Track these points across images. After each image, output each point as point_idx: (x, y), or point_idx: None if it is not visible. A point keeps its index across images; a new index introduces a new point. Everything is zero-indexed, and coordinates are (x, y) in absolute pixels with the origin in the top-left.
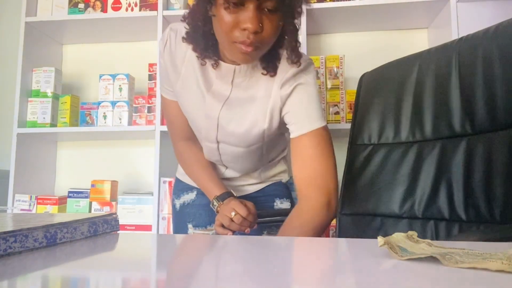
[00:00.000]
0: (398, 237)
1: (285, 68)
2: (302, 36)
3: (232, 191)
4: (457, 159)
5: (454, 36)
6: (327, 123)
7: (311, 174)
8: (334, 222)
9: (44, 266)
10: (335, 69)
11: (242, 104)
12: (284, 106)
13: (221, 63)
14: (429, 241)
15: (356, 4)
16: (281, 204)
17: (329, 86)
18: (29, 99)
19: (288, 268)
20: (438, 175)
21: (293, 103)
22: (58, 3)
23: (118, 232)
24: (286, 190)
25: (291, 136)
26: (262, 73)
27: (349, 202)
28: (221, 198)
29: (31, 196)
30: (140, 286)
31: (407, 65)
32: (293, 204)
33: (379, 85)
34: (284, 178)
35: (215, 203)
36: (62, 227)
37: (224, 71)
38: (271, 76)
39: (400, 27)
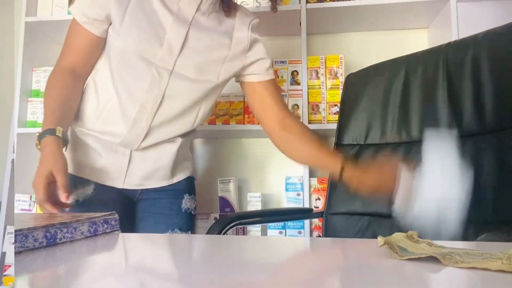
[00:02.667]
0: (398, 237)
1: (247, 14)
2: (302, 36)
3: (61, 128)
4: None
5: (454, 36)
6: (327, 123)
7: (284, 108)
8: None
9: (44, 266)
10: (335, 69)
11: (205, 30)
12: (251, 50)
13: None
14: (429, 241)
15: (356, 4)
16: (188, 202)
17: (329, 86)
18: (29, 99)
19: (287, 267)
20: None
21: (260, 51)
22: (58, 3)
23: (118, 232)
24: (193, 186)
25: (259, 79)
26: (223, 8)
27: (336, 201)
28: (41, 135)
29: (31, 196)
30: (140, 286)
31: (393, 67)
32: (196, 202)
33: (365, 86)
34: (190, 170)
35: (36, 141)
36: (62, 227)
37: None
38: (227, 15)
39: (400, 27)
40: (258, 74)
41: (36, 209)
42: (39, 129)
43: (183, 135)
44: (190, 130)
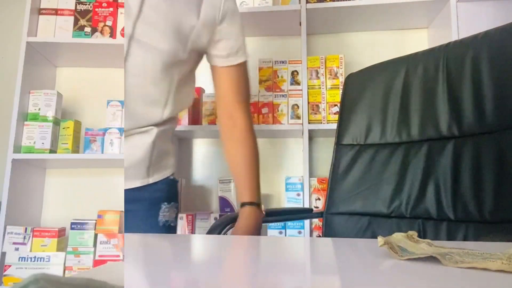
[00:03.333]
0: (398, 237)
1: None
2: (302, 36)
3: None
4: (444, 160)
5: (454, 36)
6: (327, 123)
7: (237, 102)
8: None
9: None
10: (335, 69)
11: None
12: (223, 22)
13: None
14: (429, 241)
15: (356, 4)
16: (167, 212)
17: (329, 86)
18: (25, 122)
19: (287, 267)
20: (426, 175)
21: (233, 27)
22: (61, 25)
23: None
24: (175, 190)
25: (222, 64)
26: None
27: (336, 201)
28: None
29: (26, 228)
30: (142, 286)
31: (394, 67)
32: (179, 207)
33: (366, 86)
34: (171, 169)
35: None
36: None
37: None
38: None
39: (400, 27)
40: (223, 57)
41: (31, 243)
42: (37, 155)
43: (158, 124)
44: (166, 119)
